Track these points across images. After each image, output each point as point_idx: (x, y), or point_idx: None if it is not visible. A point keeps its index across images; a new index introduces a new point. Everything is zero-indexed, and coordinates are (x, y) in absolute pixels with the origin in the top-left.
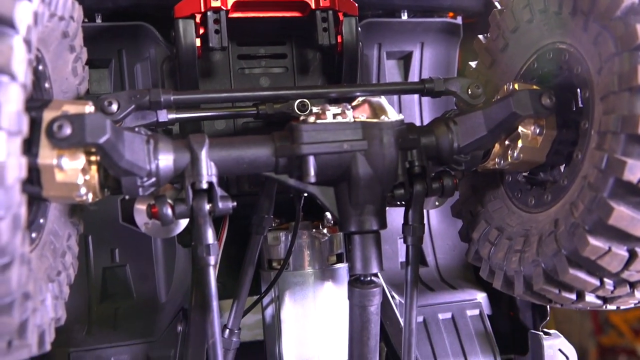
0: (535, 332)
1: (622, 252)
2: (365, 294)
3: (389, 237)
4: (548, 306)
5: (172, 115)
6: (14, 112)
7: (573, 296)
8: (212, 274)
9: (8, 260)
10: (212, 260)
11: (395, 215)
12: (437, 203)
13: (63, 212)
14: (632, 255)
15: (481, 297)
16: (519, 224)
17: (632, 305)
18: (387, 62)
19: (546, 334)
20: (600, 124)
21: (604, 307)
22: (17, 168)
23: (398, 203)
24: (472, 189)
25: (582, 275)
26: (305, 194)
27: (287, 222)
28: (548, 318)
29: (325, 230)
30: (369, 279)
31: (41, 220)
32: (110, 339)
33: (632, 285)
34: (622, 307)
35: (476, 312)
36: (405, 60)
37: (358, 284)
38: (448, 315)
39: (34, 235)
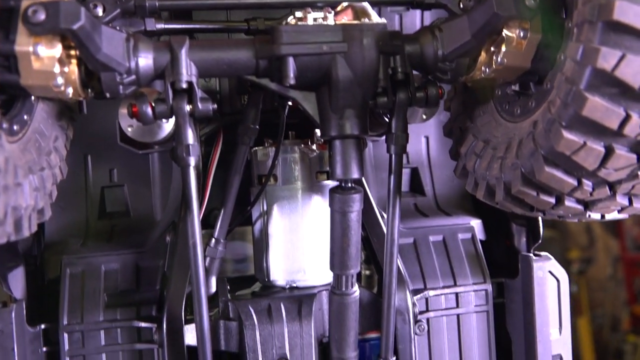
0: (525, 254)
1: (598, 147)
2: (345, 199)
3: (387, 166)
4: (540, 227)
5: (160, 25)
6: None
7: (552, 199)
8: (193, 175)
9: None
10: (192, 160)
11: None
12: (424, 116)
13: (51, 114)
14: (609, 151)
15: (475, 223)
16: (504, 134)
17: (616, 213)
18: None
19: (537, 255)
20: (578, 16)
21: (587, 214)
22: None
23: (381, 112)
24: (462, 106)
25: (558, 173)
26: (290, 103)
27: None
28: (540, 241)
29: (314, 147)
30: (349, 184)
31: (25, 117)
32: (103, 249)
33: (612, 187)
34: (606, 216)
35: (468, 235)
36: None
37: (338, 189)
38: (439, 237)
39: (16, 127)
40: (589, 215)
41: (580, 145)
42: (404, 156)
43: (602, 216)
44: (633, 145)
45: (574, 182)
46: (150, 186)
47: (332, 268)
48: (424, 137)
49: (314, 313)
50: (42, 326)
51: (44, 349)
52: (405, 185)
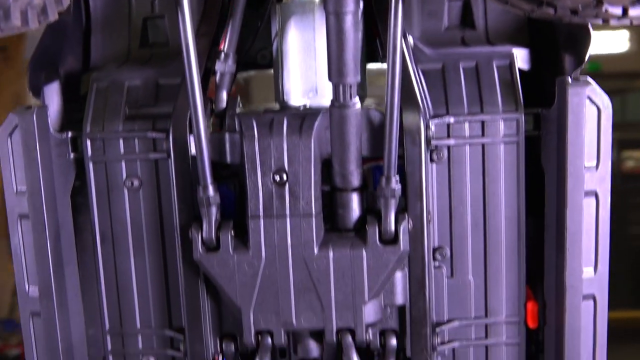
0: (561, 78)
1: None
2: None
3: None
4: (586, 48)
5: None
6: None
7: None
8: None
9: None
10: None
11: None
12: None
13: None
14: None
15: (519, 51)
16: None
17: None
18: None
19: (575, 79)
20: None
21: (603, 7)
22: None
23: None
24: None
25: None
26: None
27: None
28: (583, 64)
29: None
30: None
31: None
32: (131, 70)
33: None
34: (629, 12)
35: (505, 62)
36: None
37: None
38: (472, 63)
39: None
40: (606, 10)
41: None
42: None
43: (624, 10)
44: None
45: None
46: None
47: (330, 78)
48: None
49: (320, 131)
50: (70, 134)
51: (72, 155)
52: (456, 19)
